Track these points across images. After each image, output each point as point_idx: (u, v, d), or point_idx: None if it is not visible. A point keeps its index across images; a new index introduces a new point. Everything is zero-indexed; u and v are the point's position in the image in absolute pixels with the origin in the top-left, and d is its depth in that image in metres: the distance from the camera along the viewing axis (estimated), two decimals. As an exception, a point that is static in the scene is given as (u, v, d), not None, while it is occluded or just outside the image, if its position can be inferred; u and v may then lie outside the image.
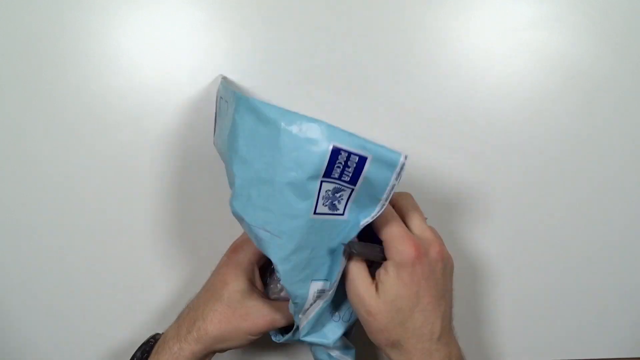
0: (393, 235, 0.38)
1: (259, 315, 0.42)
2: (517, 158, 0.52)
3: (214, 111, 0.48)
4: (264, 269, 0.47)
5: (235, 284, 0.43)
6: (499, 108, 0.51)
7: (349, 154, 0.34)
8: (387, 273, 0.38)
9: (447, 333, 0.40)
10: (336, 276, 0.38)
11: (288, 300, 0.40)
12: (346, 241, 0.38)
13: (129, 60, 0.50)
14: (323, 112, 0.51)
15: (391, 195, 0.36)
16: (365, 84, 0.51)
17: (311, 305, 0.39)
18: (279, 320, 0.42)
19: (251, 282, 0.44)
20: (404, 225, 0.39)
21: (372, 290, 0.38)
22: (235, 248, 0.45)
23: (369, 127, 0.51)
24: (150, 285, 0.51)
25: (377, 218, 0.38)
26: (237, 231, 0.51)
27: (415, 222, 0.40)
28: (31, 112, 0.49)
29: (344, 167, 0.34)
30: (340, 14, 0.50)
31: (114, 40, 0.49)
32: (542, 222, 0.52)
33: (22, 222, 0.50)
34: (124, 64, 0.50)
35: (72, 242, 0.51)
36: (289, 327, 0.43)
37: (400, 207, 0.41)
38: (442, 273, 0.39)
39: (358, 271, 0.39)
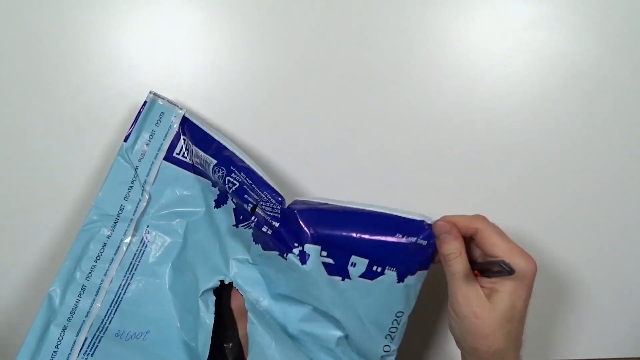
0: (511, 249, 0.39)
1: None
2: (516, 158, 0.52)
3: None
4: None
5: None
6: (499, 108, 0.51)
7: None
8: (505, 284, 0.38)
9: None
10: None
11: None
12: None
13: (129, 60, 0.50)
14: (323, 112, 0.51)
15: None
16: (366, 84, 0.51)
17: None
18: None
19: None
20: (509, 238, 0.40)
21: (482, 295, 0.38)
22: None
23: (368, 127, 0.51)
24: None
25: (484, 235, 0.39)
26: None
27: (506, 240, 0.40)
28: (31, 112, 0.49)
29: None
30: (340, 14, 0.50)
31: (114, 40, 0.49)
32: (541, 222, 0.52)
33: (22, 222, 0.50)
34: (124, 64, 0.50)
35: (71, 241, 0.50)
36: None
37: (480, 228, 0.41)
38: None
39: (468, 278, 0.39)
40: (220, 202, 0.44)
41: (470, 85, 0.51)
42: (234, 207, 0.43)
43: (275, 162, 0.51)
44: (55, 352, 0.40)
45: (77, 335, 0.40)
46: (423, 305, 0.52)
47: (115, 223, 0.43)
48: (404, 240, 0.39)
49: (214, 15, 0.50)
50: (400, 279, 0.40)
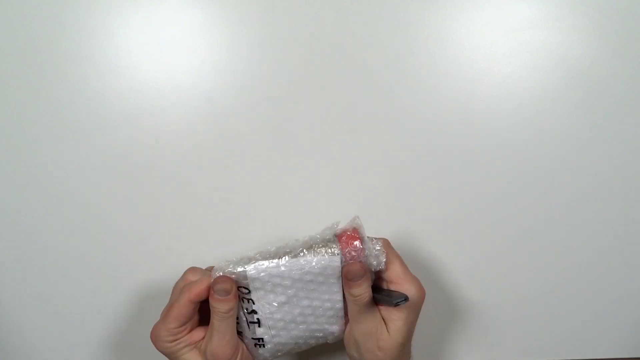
0: (405, 276, 0.41)
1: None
2: (516, 158, 0.52)
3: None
4: None
5: None
6: (499, 108, 0.51)
7: None
8: (398, 313, 0.40)
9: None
10: None
11: None
12: None
13: (129, 60, 0.50)
14: (322, 112, 0.51)
15: None
16: (365, 84, 0.51)
17: None
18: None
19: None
20: (406, 265, 0.42)
21: (384, 328, 0.40)
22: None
23: (368, 127, 0.51)
24: (149, 284, 0.51)
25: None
26: (236, 230, 0.51)
27: (403, 266, 0.42)
28: (31, 112, 0.49)
29: None
30: (340, 14, 0.50)
31: (114, 40, 0.49)
32: (541, 221, 0.52)
33: (22, 222, 0.50)
34: (124, 64, 0.50)
35: (71, 241, 0.51)
36: None
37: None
38: None
39: (374, 314, 0.41)
40: None
41: (470, 85, 0.51)
42: None
43: (275, 162, 0.51)
44: None
45: None
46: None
47: None
48: None
49: (214, 15, 0.50)
50: None
